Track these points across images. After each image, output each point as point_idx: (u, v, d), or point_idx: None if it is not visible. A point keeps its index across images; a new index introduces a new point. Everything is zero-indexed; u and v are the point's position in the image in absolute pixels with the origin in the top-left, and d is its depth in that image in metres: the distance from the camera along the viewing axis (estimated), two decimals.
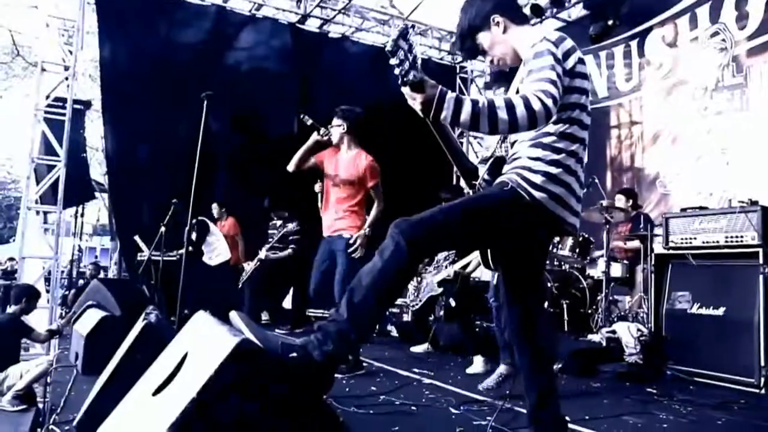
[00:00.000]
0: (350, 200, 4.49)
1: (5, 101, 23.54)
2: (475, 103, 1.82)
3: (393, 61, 1.72)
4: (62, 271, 10.31)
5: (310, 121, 4.38)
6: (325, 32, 9.45)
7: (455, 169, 2.39)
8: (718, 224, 4.35)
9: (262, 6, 8.78)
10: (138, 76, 7.98)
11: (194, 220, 7.16)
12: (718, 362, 4.18)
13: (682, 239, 4.57)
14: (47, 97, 7.28)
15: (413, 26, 1.85)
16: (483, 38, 2.22)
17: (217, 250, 7.42)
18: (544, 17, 8.65)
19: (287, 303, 8.02)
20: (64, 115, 7.18)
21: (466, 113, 1.81)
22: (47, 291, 7.40)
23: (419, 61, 1.73)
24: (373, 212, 4.52)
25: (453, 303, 5.01)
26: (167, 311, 6.22)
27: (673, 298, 4.65)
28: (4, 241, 27.58)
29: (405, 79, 1.74)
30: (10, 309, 5.33)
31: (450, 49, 10.26)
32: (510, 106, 1.83)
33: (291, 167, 4.50)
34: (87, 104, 10.56)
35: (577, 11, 8.67)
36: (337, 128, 4.48)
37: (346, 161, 4.51)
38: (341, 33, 9.58)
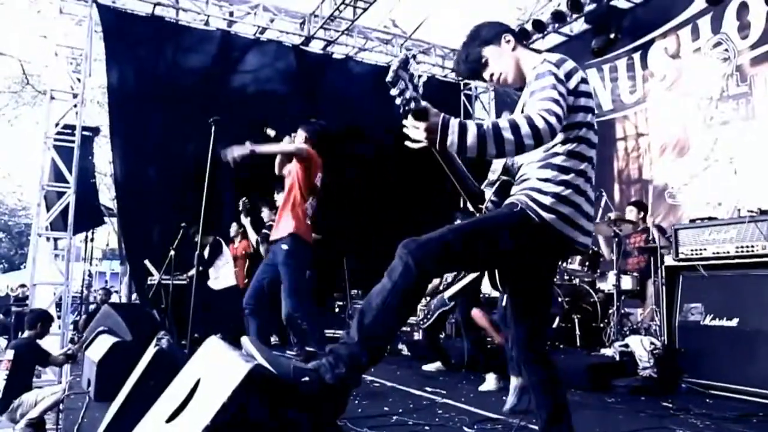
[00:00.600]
0: (286, 202, 4.48)
1: (15, 129, 23.84)
2: (479, 126, 1.81)
3: (393, 92, 1.71)
4: (73, 297, 10.34)
5: (273, 133, 4.46)
6: (329, 53, 9.54)
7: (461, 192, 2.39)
8: (728, 234, 4.33)
9: (266, 29, 8.89)
10: (145, 101, 8.09)
11: (210, 239, 7.22)
12: (733, 374, 4.13)
13: (692, 250, 4.55)
14: (56, 124, 7.37)
15: (414, 56, 1.86)
16: (490, 51, 2.23)
17: (221, 276, 7.43)
18: (546, 32, 8.71)
19: None
20: (73, 142, 7.27)
21: (472, 137, 1.79)
22: (58, 317, 7.43)
23: (420, 90, 1.71)
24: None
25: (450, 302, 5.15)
26: (177, 335, 6.23)
27: (685, 310, 4.61)
28: (16, 267, 27.77)
29: (407, 108, 1.72)
30: (25, 334, 5.36)
31: (454, 66, 10.32)
32: (514, 126, 1.83)
33: (277, 171, 4.68)
34: (95, 130, 10.65)
35: (578, 26, 8.71)
36: (298, 138, 4.60)
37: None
38: (345, 54, 9.67)
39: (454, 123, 1.80)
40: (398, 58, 1.73)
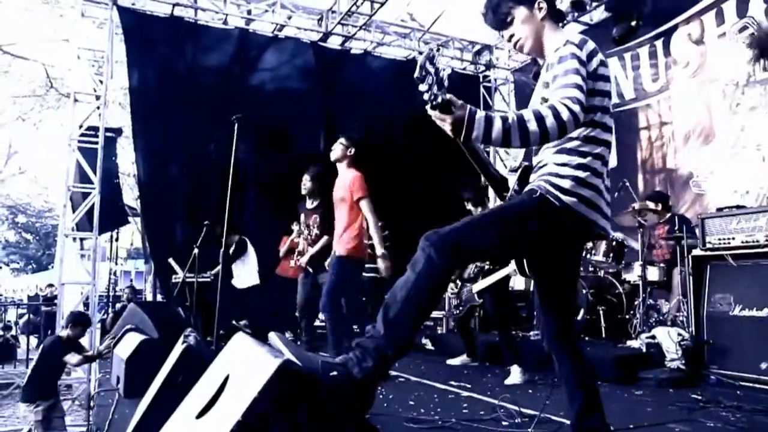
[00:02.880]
0: (341, 221, 4.66)
1: (41, 132, 24.31)
2: (504, 119, 1.83)
3: (422, 87, 1.75)
4: (99, 296, 10.50)
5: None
6: (347, 49, 9.53)
7: (483, 180, 2.39)
8: (757, 223, 4.24)
9: (284, 27, 8.91)
10: (166, 101, 8.16)
11: (235, 237, 7.26)
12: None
13: (719, 240, 4.47)
14: (80, 126, 7.48)
15: (438, 49, 1.87)
16: (520, 12, 2.20)
17: (244, 274, 7.46)
18: (566, 21, 8.61)
19: None
20: (96, 143, 7.36)
21: (497, 130, 1.82)
22: None
23: (446, 84, 1.75)
24: (372, 231, 4.64)
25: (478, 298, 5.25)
26: (203, 332, 6.29)
27: (713, 301, 4.54)
28: (44, 267, 28.31)
29: (434, 103, 1.76)
30: (62, 333, 5.55)
31: (472, 58, 10.26)
32: (539, 118, 1.84)
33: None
34: (118, 131, 10.78)
35: (598, 14, 8.58)
36: (339, 145, 4.75)
37: (339, 180, 4.77)
38: (363, 49, 9.64)
39: (480, 117, 1.82)
40: (424, 54, 1.76)
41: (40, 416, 4.96)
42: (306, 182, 5.36)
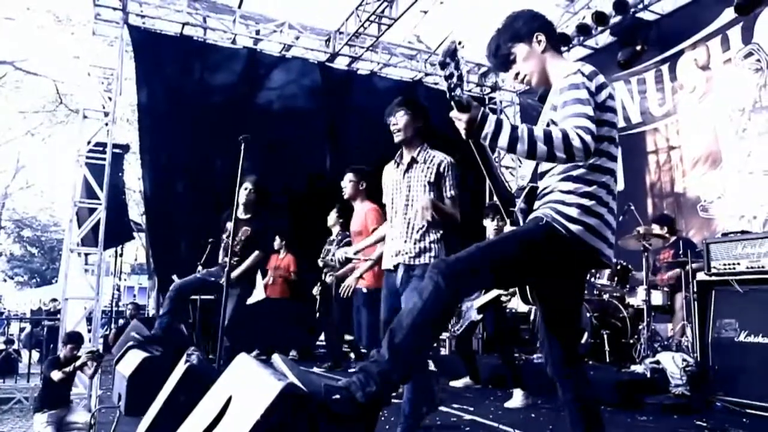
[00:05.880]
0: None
1: (49, 147, 24.52)
2: (515, 127, 1.90)
3: (443, 73, 1.87)
4: (103, 311, 10.50)
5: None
6: (354, 69, 9.62)
7: (494, 196, 2.43)
8: (763, 248, 4.22)
9: (291, 47, 9.00)
10: (173, 119, 8.23)
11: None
12: None
13: (724, 265, 4.45)
14: (88, 142, 7.55)
15: (460, 42, 1.92)
16: (520, 49, 2.24)
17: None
18: (571, 45, 8.67)
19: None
20: (103, 159, 7.43)
21: (505, 135, 1.90)
22: (89, 330, 7.55)
23: (465, 80, 1.86)
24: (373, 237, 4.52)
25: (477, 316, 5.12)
26: (205, 350, 6.27)
27: (718, 327, 4.50)
28: (47, 281, 28.36)
29: (453, 93, 1.87)
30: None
31: (478, 80, 10.33)
32: (549, 140, 1.87)
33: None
34: (125, 148, 10.89)
35: (604, 38, 8.66)
36: (349, 182, 4.67)
37: (356, 215, 4.74)
38: (369, 69, 9.73)
39: (492, 118, 1.92)
40: (447, 45, 1.87)
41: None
42: (248, 192, 4.99)
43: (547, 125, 2.07)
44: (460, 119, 1.92)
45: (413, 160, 3.23)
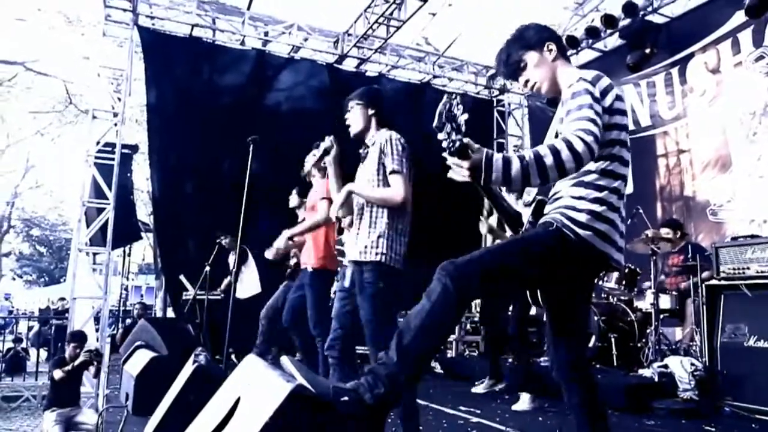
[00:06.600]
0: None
1: (58, 147, 24.70)
2: (521, 158, 1.83)
3: (440, 136, 1.75)
4: (110, 311, 10.55)
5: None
6: (362, 71, 9.62)
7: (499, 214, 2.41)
8: None
9: (300, 48, 9.02)
10: (182, 120, 8.27)
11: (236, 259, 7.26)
12: None
13: (734, 269, 4.42)
14: (98, 142, 7.59)
15: (455, 96, 1.86)
16: (531, 57, 2.24)
17: (245, 281, 7.40)
18: (579, 48, 8.65)
19: None
20: (112, 159, 7.47)
21: (515, 170, 1.81)
22: (96, 330, 7.59)
23: (464, 129, 1.73)
24: (307, 222, 4.40)
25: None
26: (212, 350, 6.29)
27: (727, 331, 4.47)
28: (56, 280, 28.53)
29: (452, 150, 1.74)
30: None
31: (486, 82, 10.32)
32: (555, 152, 1.85)
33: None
34: (134, 148, 10.94)
35: (613, 41, 8.63)
36: (311, 157, 4.56)
37: (312, 191, 4.67)
38: (378, 71, 9.74)
39: (497, 159, 1.81)
40: (442, 102, 1.76)
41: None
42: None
43: (555, 136, 2.06)
44: (461, 166, 1.80)
45: (365, 147, 3.19)
